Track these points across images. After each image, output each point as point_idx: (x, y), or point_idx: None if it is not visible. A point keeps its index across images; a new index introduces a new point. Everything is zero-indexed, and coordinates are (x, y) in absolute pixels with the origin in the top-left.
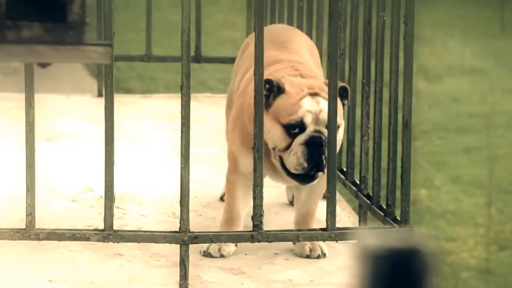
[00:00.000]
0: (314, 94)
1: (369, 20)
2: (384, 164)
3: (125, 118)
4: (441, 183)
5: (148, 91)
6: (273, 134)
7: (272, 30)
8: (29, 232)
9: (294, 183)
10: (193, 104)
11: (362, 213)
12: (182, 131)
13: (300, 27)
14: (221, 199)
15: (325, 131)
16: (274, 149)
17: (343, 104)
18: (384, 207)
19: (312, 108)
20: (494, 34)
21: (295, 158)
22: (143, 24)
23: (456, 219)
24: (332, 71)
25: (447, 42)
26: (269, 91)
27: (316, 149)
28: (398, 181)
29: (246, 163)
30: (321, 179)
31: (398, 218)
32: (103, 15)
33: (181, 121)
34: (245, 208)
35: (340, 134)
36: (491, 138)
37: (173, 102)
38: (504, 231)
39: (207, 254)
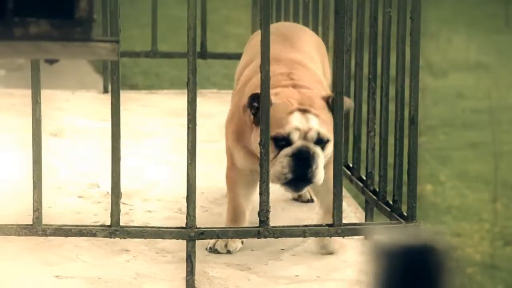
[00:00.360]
0: (304, 111)
1: (375, 15)
2: (390, 159)
3: (131, 114)
4: (446, 179)
5: (153, 87)
6: None
7: (279, 26)
8: (36, 228)
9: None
10: (199, 100)
11: (368, 209)
12: (188, 127)
13: (306, 23)
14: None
15: (312, 147)
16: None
17: None
18: (391, 202)
19: (301, 126)
20: (499, 29)
21: (280, 167)
22: (147, 20)
23: (461, 214)
24: (338, 66)
25: (452, 38)
26: (257, 106)
27: (302, 161)
28: (405, 177)
29: (240, 159)
30: (330, 169)
31: (405, 213)
32: (110, 12)
33: (187, 117)
34: (248, 205)
35: (329, 149)
36: (496, 134)
37: (179, 98)
38: (509, 227)
39: (213, 250)
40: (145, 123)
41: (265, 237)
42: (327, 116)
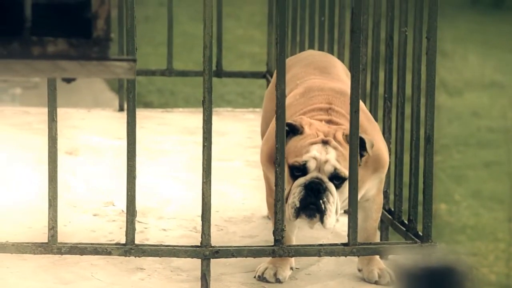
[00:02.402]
0: (325, 142)
1: (391, 35)
2: (405, 179)
3: (146, 132)
4: (461, 198)
5: (168, 105)
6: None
7: (311, 57)
8: (51, 246)
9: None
10: (214, 119)
11: (383, 228)
12: (204, 146)
13: (321, 42)
14: (268, 217)
15: (326, 181)
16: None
17: (361, 156)
18: (406, 222)
19: (318, 156)
20: None
21: (292, 198)
22: (161, 38)
23: (476, 234)
24: (354, 85)
25: (467, 57)
26: (287, 133)
27: (313, 193)
28: (420, 196)
29: None
30: (374, 203)
31: (420, 233)
32: (126, 30)
33: (203, 135)
34: (293, 229)
35: (345, 188)
36: None
37: (194, 116)
38: None
39: (262, 279)
40: (160, 141)
41: (280, 256)
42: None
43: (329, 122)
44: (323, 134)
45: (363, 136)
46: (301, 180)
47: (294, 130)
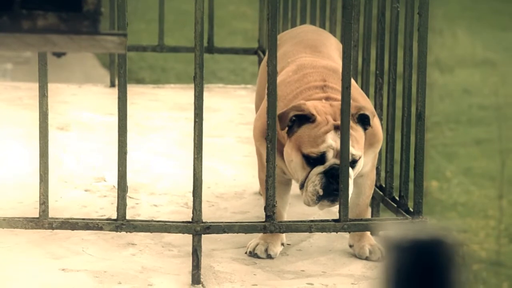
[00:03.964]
0: (337, 128)
1: (383, 11)
2: (397, 155)
3: (137, 108)
4: (452, 175)
5: (159, 81)
6: (294, 162)
7: (303, 34)
8: (42, 221)
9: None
10: (205, 95)
11: (374, 205)
12: (195, 122)
13: (313, 18)
14: (260, 193)
15: None
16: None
17: (365, 129)
18: (397, 198)
19: (334, 144)
20: (505, 26)
21: (312, 186)
22: (153, 15)
23: (466, 211)
24: (345, 62)
25: (459, 34)
26: (294, 120)
27: (334, 179)
28: (411, 173)
29: None
30: (367, 179)
31: (411, 209)
32: (116, 5)
33: (194, 111)
34: (284, 205)
35: (360, 165)
36: (503, 130)
37: (186, 92)
38: None
39: (253, 255)
40: (151, 117)
41: (271, 232)
42: (358, 131)
43: (327, 99)
44: (331, 117)
45: (364, 112)
46: (321, 168)
47: (304, 118)
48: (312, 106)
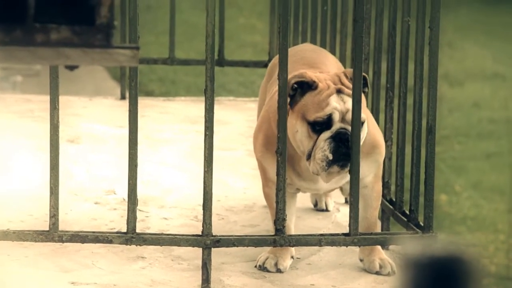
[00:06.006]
0: (339, 91)
1: (393, 24)
2: (407, 169)
3: (148, 121)
4: (461, 189)
5: (169, 94)
6: (300, 133)
7: (302, 52)
8: (52, 234)
9: (322, 187)
10: (215, 108)
11: (385, 219)
12: (205, 135)
13: (323, 31)
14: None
15: (350, 130)
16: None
17: (364, 92)
18: (407, 212)
19: (339, 107)
20: None
21: (321, 152)
22: (163, 27)
23: (476, 225)
24: (356, 75)
25: (469, 47)
26: (296, 89)
27: (342, 143)
28: (421, 187)
29: (272, 170)
30: (373, 191)
31: (421, 223)
32: (128, 19)
33: (205, 124)
34: (291, 217)
35: (365, 129)
36: None
37: (196, 105)
38: None
39: (262, 269)
40: (161, 130)
41: (281, 246)
42: None
43: (321, 72)
44: (332, 82)
45: (363, 74)
46: (327, 134)
47: (304, 86)
48: (312, 74)
